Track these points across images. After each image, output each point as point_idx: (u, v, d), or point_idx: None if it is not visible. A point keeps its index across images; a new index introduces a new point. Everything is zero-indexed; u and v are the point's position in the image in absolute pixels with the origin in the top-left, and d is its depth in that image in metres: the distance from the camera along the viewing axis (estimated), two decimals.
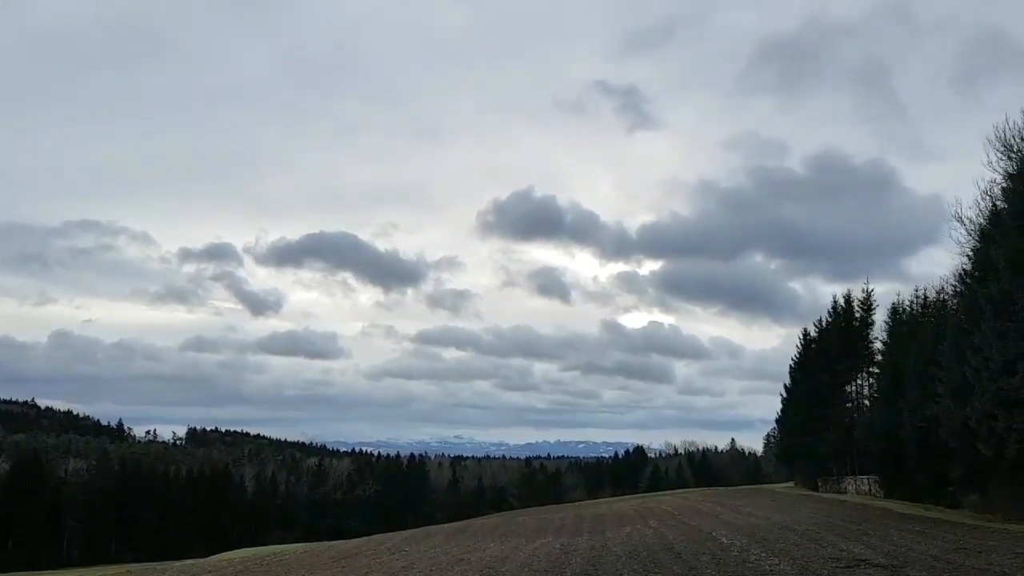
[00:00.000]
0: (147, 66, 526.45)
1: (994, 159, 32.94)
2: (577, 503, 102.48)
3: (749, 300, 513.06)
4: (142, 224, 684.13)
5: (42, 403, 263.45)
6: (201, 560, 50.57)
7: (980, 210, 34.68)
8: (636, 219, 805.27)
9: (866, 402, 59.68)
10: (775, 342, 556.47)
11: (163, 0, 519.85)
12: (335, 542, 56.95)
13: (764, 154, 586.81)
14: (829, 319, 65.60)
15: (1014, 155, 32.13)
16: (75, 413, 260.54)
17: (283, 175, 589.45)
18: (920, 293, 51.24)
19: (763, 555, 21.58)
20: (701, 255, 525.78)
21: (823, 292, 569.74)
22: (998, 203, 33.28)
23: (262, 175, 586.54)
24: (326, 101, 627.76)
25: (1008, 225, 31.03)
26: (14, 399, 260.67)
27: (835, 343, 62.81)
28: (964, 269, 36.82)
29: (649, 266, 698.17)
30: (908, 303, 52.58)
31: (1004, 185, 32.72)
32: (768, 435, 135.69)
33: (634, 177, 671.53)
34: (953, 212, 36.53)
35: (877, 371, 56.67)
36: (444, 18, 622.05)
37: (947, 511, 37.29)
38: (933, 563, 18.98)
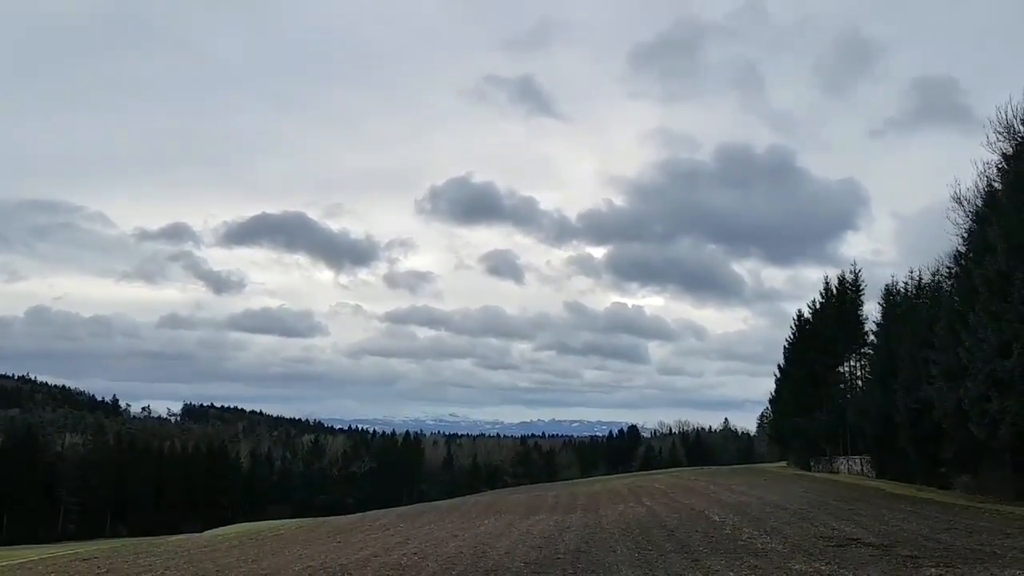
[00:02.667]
0: (111, 54, 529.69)
1: (993, 140, 32.80)
2: (571, 481, 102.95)
3: (697, 283, 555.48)
4: (99, 205, 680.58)
5: (37, 378, 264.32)
6: (196, 535, 50.73)
7: (978, 191, 34.59)
8: (573, 207, 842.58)
9: (859, 383, 59.85)
10: (734, 324, 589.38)
11: None
12: (330, 518, 57.15)
13: (676, 147, 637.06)
14: (822, 300, 65.68)
15: (1014, 136, 31.99)
16: (70, 388, 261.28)
17: (235, 158, 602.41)
18: (915, 274, 51.31)
19: (755, 533, 21.70)
20: (640, 241, 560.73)
21: (766, 276, 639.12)
22: (995, 184, 33.20)
23: (213, 158, 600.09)
24: (277, 89, 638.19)
25: (1004, 206, 30.97)
26: (8, 374, 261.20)
27: (829, 324, 62.91)
28: (959, 250, 36.77)
29: (593, 251, 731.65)
30: (903, 284, 52.67)
31: (1001, 166, 32.63)
32: (761, 415, 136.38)
33: (562, 168, 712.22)
34: (951, 193, 36.43)
35: (871, 352, 56.80)
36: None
37: (939, 492, 37.50)
38: (924, 542, 19.08)
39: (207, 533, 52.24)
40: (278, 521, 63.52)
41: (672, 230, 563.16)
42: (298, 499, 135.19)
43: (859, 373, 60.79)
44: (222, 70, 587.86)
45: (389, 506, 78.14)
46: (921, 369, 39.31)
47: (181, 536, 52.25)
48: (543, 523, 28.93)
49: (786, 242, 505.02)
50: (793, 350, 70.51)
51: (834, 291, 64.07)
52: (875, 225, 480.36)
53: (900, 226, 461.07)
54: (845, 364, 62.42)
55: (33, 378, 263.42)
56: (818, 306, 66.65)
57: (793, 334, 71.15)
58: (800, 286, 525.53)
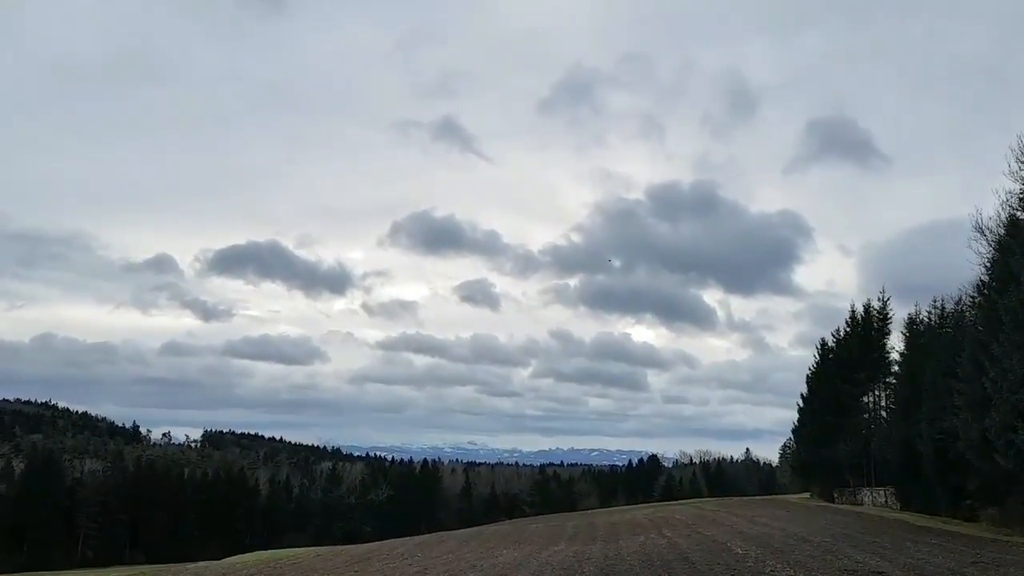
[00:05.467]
0: (108, 88, 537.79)
1: (1015, 168, 32.65)
2: (590, 511, 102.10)
3: (671, 313, 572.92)
4: (87, 234, 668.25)
5: (59, 404, 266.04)
6: (214, 563, 50.75)
7: (1000, 220, 34.35)
8: (533, 241, 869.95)
9: (883, 413, 59.28)
10: (719, 353, 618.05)
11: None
12: (348, 546, 57.03)
13: (614, 186, 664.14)
14: (847, 329, 65.35)
15: None
16: (90, 414, 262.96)
17: (217, 190, 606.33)
18: (938, 304, 50.92)
19: (778, 566, 21.43)
20: (604, 274, 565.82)
21: (734, 306, 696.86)
22: (1018, 213, 32.99)
23: (193, 190, 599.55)
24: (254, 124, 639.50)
25: None
26: (32, 399, 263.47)
27: (853, 353, 62.54)
28: (982, 280, 36.48)
29: (563, 282, 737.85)
30: (926, 314, 52.28)
31: (1023, 196, 32.46)
32: (784, 445, 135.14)
33: (516, 204, 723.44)
34: (973, 222, 36.22)
35: (894, 382, 56.29)
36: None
37: (964, 524, 36.93)
38: None
39: (226, 560, 52.24)
40: (296, 549, 63.34)
41: (631, 264, 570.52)
42: (316, 527, 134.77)
43: (883, 403, 60.23)
44: (207, 105, 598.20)
45: (407, 534, 77.82)
46: (945, 399, 38.89)
47: (200, 563, 52.28)
48: (562, 554, 28.72)
49: (743, 274, 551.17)
50: (816, 379, 69.99)
51: (859, 320, 63.81)
52: (821, 257, 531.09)
53: (846, 257, 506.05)
54: (869, 394, 61.89)
55: (55, 404, 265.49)
56: (842, 335, 66.35)
57: (816, 363, 70.70)
58: (772, 316, 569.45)
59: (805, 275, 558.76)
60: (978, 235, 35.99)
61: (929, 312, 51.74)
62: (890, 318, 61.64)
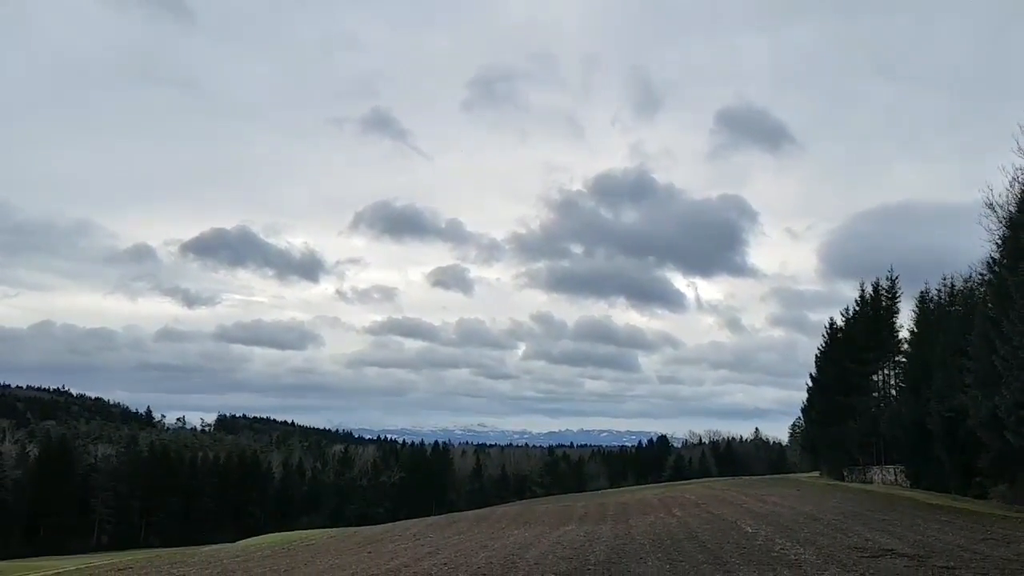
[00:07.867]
0: (95, 87, 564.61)
1: None
2: (600, 492, 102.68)
3: (640, 295, 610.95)
4: (75, 223, 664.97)
5: (73, 390, 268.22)
6: (229, 545, 51.20)
7: (1010, 197, 34.13)
8: (495, 230, 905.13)
9: (893, 392, 59.22)
10: (697, 333, 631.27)
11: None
12: (360, 528, 57.44)
13: (553, 177, 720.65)
14: (856, 308, 65.19)
15: None
16: (104, 400, 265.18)
17: (185, 181, 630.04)
18: (948, 282, 50.74)
19: (788, 544, 21.53)
20: (568, 259, 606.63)
21: (702, 289, 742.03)
22: None
23: (164, 182, 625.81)
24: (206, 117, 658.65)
25: None
26: (45, 386, 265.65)
27: (862, 332, 62.39)
28: (992, 256, 36.31)
29: (530, 267, 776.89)
30: (936, 292, 52.10)
31: None
32: (793, 424, 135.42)
33: (472, 194, 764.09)
34: (984, 199, 35.99)
35: (904, 360, 56.19)
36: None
37: (974, 501, 36.96)
38: (960, 553, 18.84)
39: (240, 543, 52.71)
40: (310, 531, 63.88)
41: (591, 250, 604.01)
42: (329, 509, 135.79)
43: (892, 382, 60.16)
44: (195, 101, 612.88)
45: (419, 516, 78.35)
46: (955, 377, 38.85)
47: (214, 546, 52.75)
48: (573, 534, 28.89)
49: (698, 257, 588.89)
50: (825, 358, 69.95)
51: (868, 298, 63.63)
52: (770, 240, 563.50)
53: (795, 240, 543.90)
54: (878, 372, 61.80)
55: (68, 390, 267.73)
56: (851, 313, 66.20)
57: (825, 342, 70.64)
58: (739, 298, 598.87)
59: (758, 257, 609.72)
60: (989, 212, 35.77)
61: (939, 290, 51.59)
62: (898, 297, 61.47)
